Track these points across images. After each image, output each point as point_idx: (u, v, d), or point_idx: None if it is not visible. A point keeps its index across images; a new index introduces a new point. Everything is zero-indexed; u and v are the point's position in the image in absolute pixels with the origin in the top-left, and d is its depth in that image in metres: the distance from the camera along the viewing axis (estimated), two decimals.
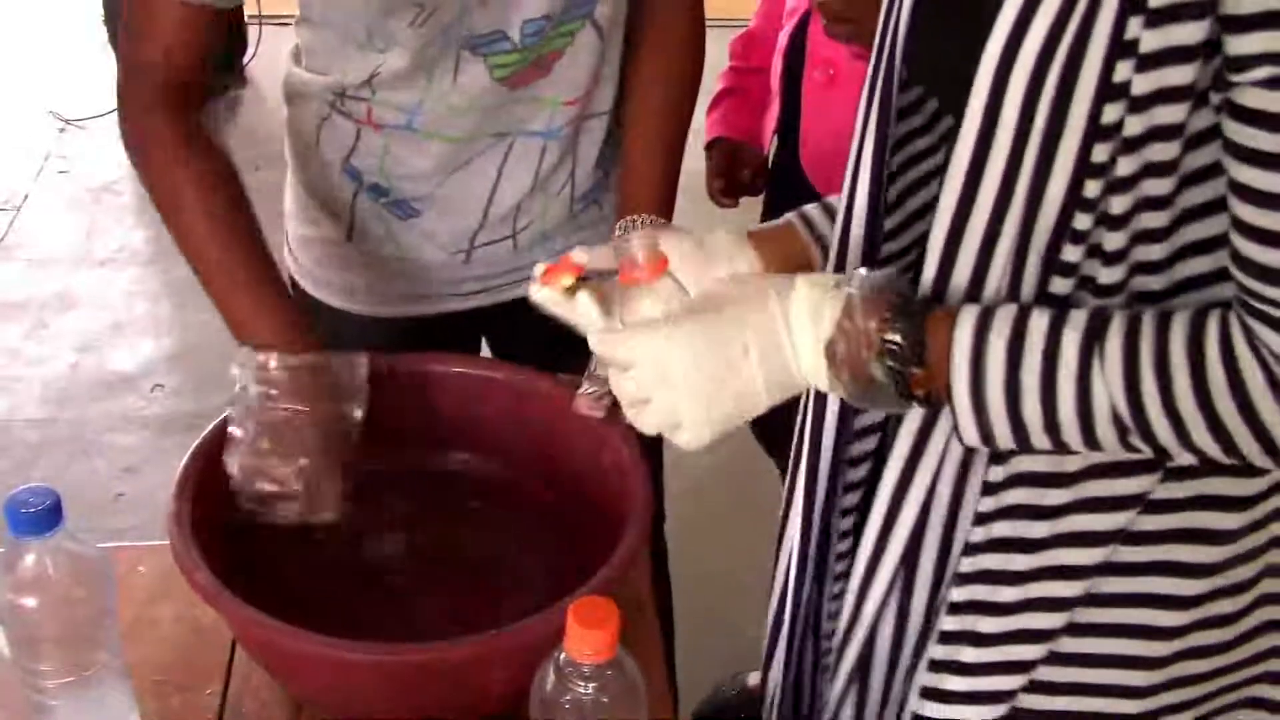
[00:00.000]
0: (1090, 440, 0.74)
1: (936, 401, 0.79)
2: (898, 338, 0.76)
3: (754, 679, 2.03)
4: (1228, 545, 0.82)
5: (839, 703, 0.95)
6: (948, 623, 0.87)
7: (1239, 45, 0.65)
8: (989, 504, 0.83)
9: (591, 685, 0.77)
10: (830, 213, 0.98)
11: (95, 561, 0.90)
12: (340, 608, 1.07)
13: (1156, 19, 0.67)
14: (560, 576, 1.07)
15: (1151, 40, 0.67)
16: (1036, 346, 0.73)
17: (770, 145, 1.74)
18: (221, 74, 3.64)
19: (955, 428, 0.78)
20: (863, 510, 0.96)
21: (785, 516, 1.00)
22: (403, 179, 1.26)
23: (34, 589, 0.87)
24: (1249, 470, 0.78)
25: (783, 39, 1.66)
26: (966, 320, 0.75)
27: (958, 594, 0.85)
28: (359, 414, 1.10)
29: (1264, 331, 0.70)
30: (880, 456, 0.92)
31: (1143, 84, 0.68)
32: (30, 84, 4.06)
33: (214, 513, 1.03)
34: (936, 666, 0.88)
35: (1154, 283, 0.75)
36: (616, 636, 0.76)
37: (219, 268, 1.11)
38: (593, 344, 0.86)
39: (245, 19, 3.53)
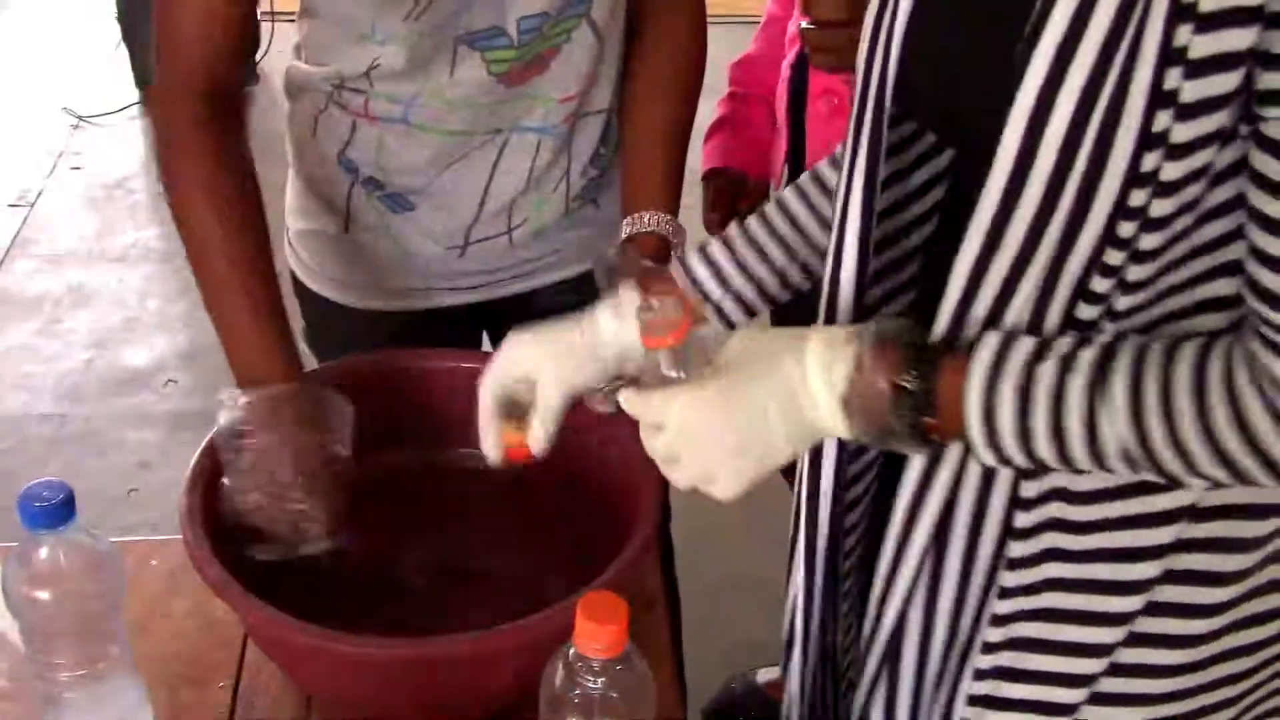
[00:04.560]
0: (1105, 470, 0.77)
1: (954, 441, 0.81)
2: (909, 387, 0.78)
3: (763, 676, 2.03)
4: (1255, 552, 0.84)
5: (866, 701, 0.96)
6: (992, 634, 0.87)
7: (1270, 80, 0.66)
8: (1025, 519, 0.84)
9: (601, 680, 0.77)
10: (710, 262, 1.01)
11: (107, 555, 0.90)
12: (350, 603, 1.07)
13: (1196, 70, 0.67)
14: (568, 572, 1.08)
15: (1192, 91, 0.68)
16: (1043, 394, 0.75)
17: (781, 179, 1.65)
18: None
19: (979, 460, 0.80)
20: (875, 508, 0.97)
21: (796, 520, 1.00)
22: (397, 172, 1.27)
23: (47, 582, 0.87)
24: None
25: (785, 68, 1.60)
26: (977, 373, 0.77)
27: (1002, 607, 0.86)
28: (344, 451, 1.08)
29: (1272, 360, 0.71)
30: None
31: (1182, 133, 0.69)
32: (44, 81, 4.08)
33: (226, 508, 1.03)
34: (984, 675, 0.89)
35: (1174, 303, 0.77)
36: (626, 631, 0.76)
37: (227, 300, 1.10)
38: (623, 402, 0.89)
39: (259, 16, 3.53)
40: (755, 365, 0.84)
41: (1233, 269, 0.75)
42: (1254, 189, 0.70)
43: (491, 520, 1.18)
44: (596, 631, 0.76)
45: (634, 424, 0.90)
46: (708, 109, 1.45)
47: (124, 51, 3.95)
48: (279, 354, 1.10)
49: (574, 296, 0.92)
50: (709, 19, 1.31)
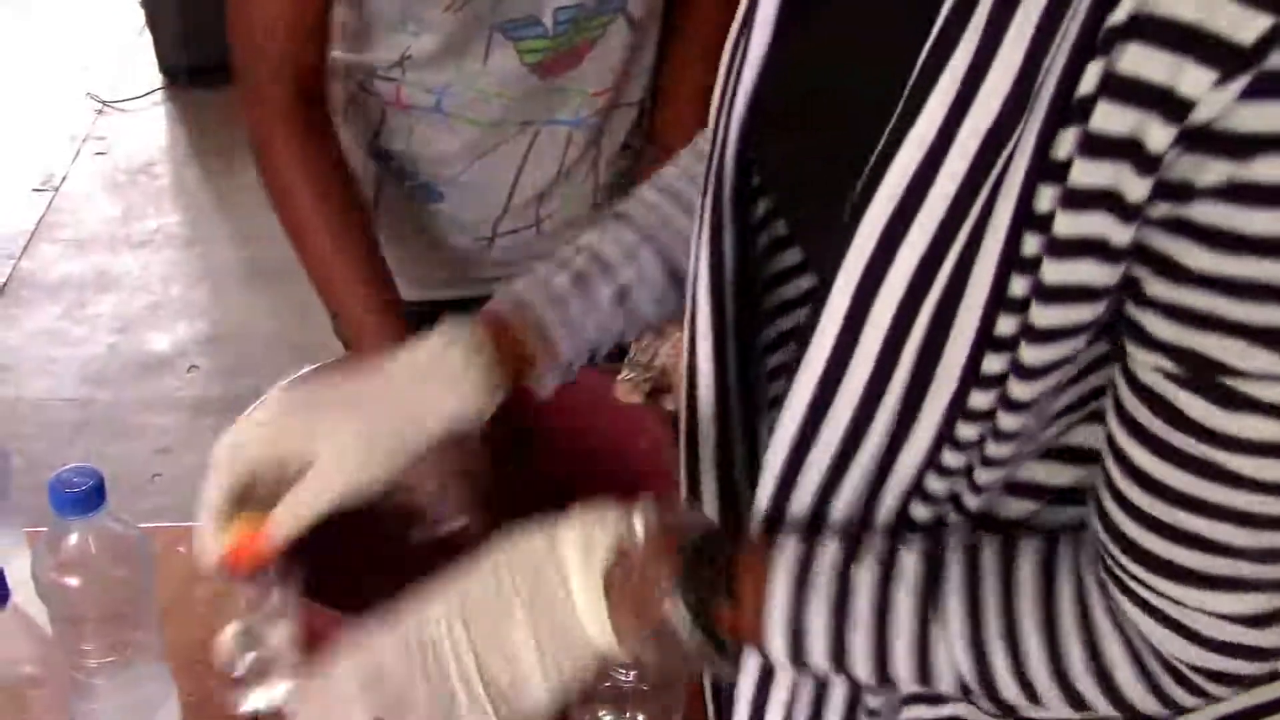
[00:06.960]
0: (935, 696, 0.68)
1: (744, 650, 0.67)
2: (698, 558, 0.63)
3: None
4: None
5: None
6: None
7: (1135, 312, 0.53)
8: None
9: (631, 673, 0.77)
10: (550, 290, 0.85)
11: (137, 541, 0.90)
12: (376, 592, 1.07)
13: (1058, 250, 0.53)
14: None
15: (1055, 272, 0.53)
16: (864, 609, 0.62)
17: None
18: None
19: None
20: None
21: None
22: (427, 162, 1.26)
23: (76, 569, 0.88)
24: None
25: None
26: (782, 570, 0.63)
27: None
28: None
29: (1132, 610, 0.60)
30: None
31: (1045, 318, 0.55)
32: (68, 66, 4.09)
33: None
34: None
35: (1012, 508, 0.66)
36: None
37: (336, 281, 1.14)
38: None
39: None
40: (491, 555, 0.66)
41: (1094, 417, 0.62)
42: (1119, 429, 0.57)
43: (511, 511, 1.18)
44: None
45: (663, 412, 0.89)
46: None
47: (148, 37, 3.96)
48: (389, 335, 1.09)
49: None
50: None
